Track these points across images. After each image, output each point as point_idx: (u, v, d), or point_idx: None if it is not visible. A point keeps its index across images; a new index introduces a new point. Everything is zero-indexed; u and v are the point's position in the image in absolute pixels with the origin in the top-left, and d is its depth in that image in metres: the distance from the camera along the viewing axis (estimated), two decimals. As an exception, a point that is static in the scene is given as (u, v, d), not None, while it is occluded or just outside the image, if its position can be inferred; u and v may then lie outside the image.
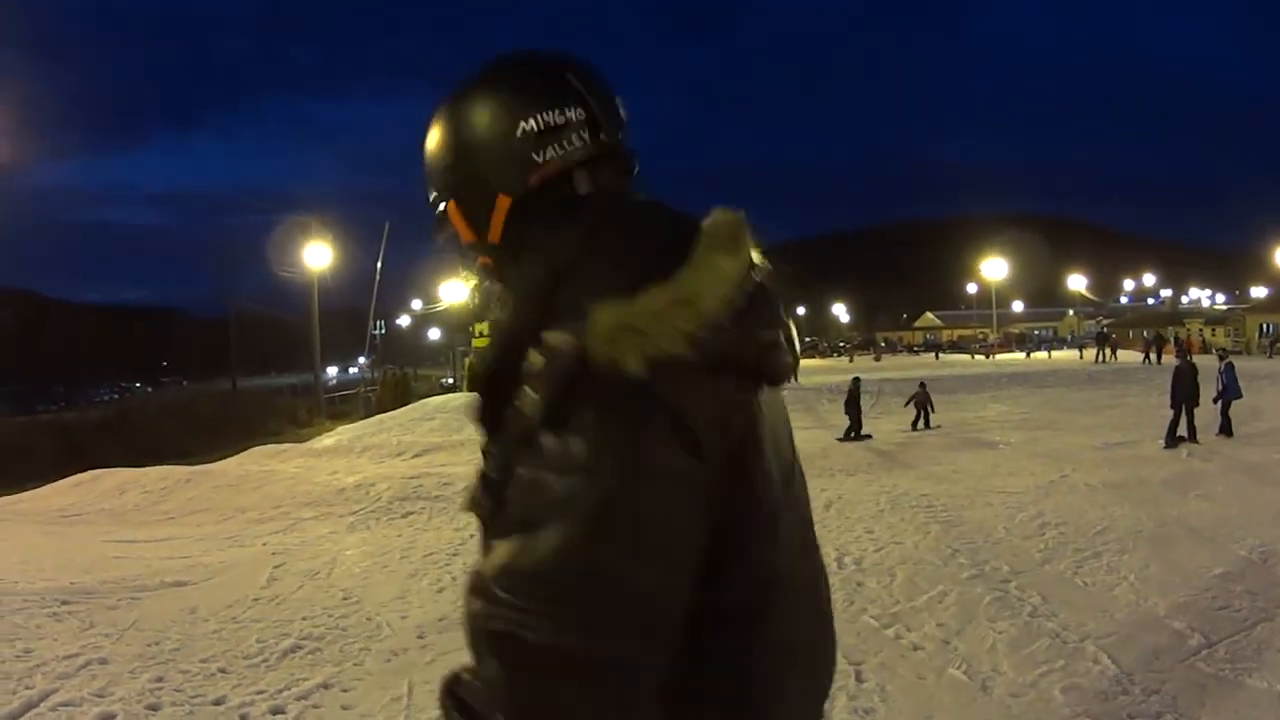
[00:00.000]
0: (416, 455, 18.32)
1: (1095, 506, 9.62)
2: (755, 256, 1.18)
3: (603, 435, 1.01)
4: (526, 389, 1.06)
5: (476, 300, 1.43)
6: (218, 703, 5.14)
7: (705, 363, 1.05)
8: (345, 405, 44.88)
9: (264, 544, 10.17)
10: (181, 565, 9.00)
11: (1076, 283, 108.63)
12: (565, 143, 1.26)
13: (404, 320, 78.37)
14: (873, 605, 6.44)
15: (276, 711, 4.97)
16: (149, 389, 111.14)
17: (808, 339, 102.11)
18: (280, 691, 5.25)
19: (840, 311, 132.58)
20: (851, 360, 66.31)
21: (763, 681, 1.16)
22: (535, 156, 1.25)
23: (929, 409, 19.55)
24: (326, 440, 23.89)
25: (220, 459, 21.32)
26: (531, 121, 1.25)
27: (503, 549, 1.03)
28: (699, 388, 1.05)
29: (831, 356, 79.05)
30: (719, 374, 1.08)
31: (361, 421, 29.91)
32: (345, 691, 5.24)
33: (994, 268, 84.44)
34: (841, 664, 5.19)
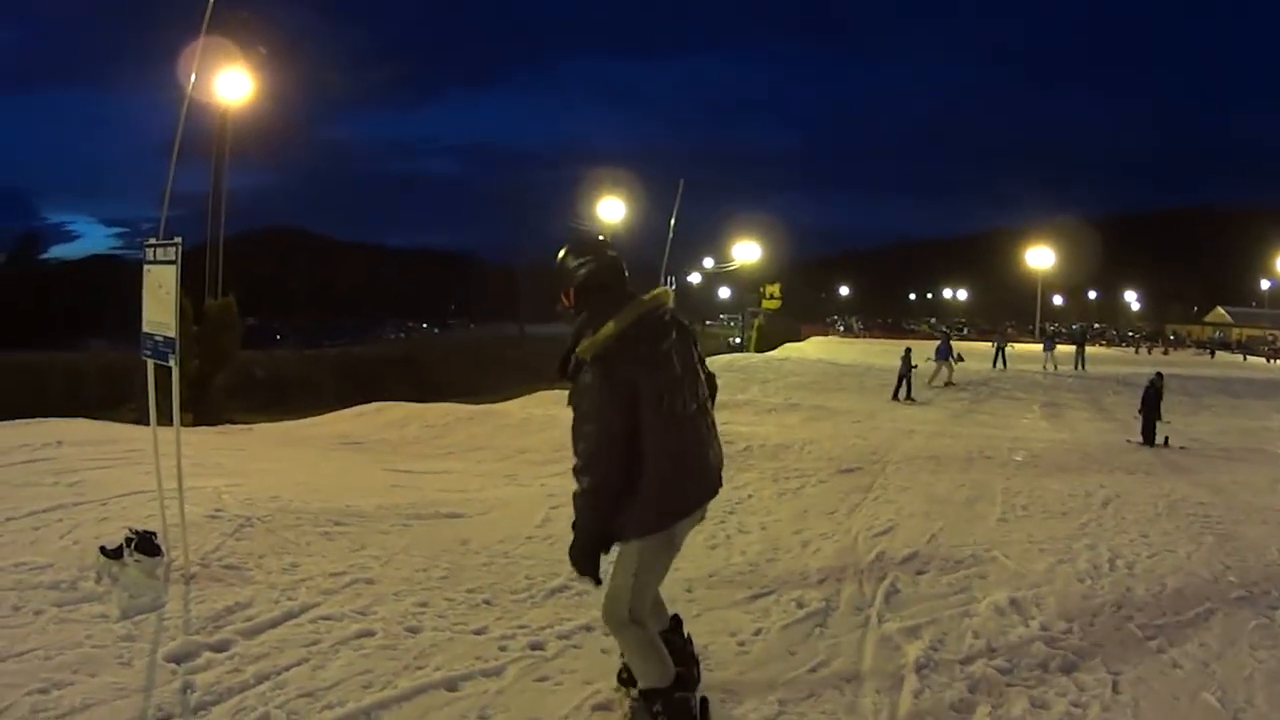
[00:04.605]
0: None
1: (1378, 537, 8.30)
2: (666, 303, 3.88)
3: (589, 380, 3.68)
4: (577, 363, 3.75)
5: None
6: (479, 632, 5.21)
7: (612, 354, 3.66)
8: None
9: (542, 485, 10.19)
10: (458, 498, 9.21)
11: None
12: (584, 267, 3.92)
13: (695, 278, 79.24)
14: (1139, 614, 6.01)
15: (536, 647, 5.01)
16: (435, 330, 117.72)
17: (1096, 325, 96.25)
18: (543, 629, 5.28)
19: (1131, 299, 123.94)
20: (1137, 352, 61.41)
21: (667, 456, 3.77)
22: (578, 272, 3.92)
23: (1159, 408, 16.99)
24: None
25: (504, 400, 22.04)
26: (572, 260, 3.95)
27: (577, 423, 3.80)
28: (612, 362, 3.65)
29: (1119, 346, 73.78)
30: (622, 357, 3.66)
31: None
32: (607, 635, 4.97)
33: (1290, 263, 76.37)
34: (1099, 671, 5.01)
